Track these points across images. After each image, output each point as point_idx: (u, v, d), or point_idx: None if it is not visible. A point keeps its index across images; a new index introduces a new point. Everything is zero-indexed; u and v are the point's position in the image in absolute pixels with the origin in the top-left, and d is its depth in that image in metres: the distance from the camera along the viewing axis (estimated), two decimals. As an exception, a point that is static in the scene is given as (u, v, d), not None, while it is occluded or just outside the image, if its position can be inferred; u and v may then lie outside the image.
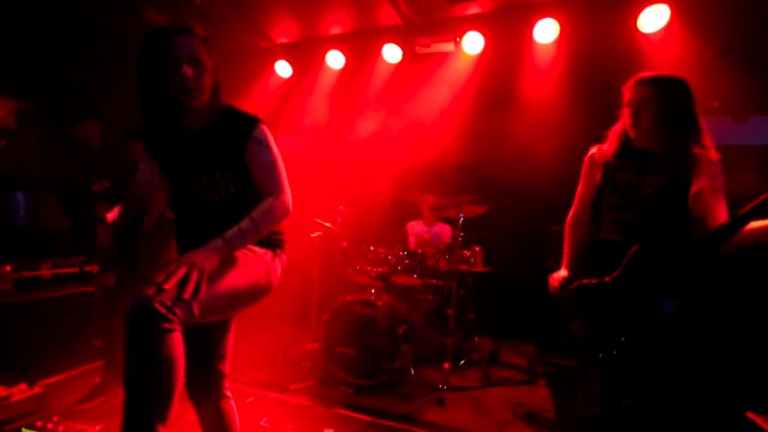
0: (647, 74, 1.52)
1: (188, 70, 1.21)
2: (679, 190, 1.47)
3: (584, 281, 1.54)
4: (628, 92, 1.54)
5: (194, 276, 1.05)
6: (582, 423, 1.59)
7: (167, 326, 1.00)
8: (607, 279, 1.49)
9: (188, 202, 1.36)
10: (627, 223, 1.53)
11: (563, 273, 1.72)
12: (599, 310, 1.50)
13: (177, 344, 1.03)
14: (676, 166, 1.46)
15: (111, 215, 2.28)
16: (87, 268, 2.91)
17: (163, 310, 1.00)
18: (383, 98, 4.54)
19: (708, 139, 1.48)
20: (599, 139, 1.69)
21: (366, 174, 4.43)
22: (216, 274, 1.16)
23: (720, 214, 1.45)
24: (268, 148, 1.34)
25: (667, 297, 1.42)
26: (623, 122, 1.58)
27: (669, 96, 1.46)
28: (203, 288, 1.07)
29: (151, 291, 1.01)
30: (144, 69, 1.24)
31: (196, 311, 1.07)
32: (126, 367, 1.01)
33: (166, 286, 1.01)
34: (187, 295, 1.02)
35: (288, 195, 1.33)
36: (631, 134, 1.54)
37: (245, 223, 1.22)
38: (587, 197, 1.71)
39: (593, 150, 1.69)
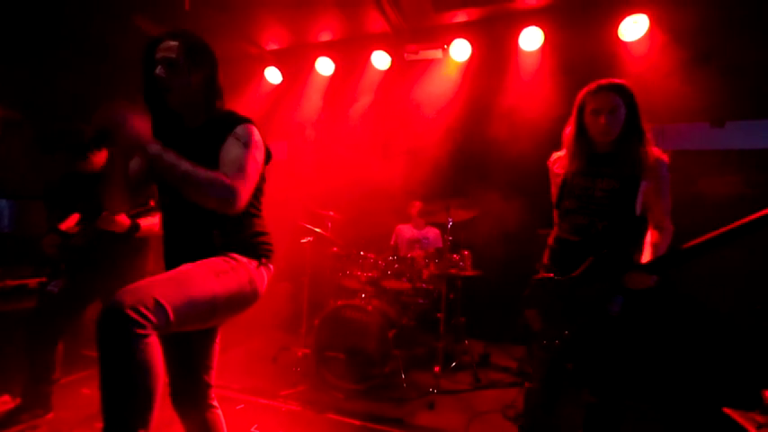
0: (606, 81, 1.57)
1: (160, 71, 1.27)
2: (628, 192, 1.56)
3: (543, 275, 1.66)
4: (593, 99, 1.57)
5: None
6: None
7: (140, 331, 0.99)
8: (563, 278, 1.59)
9: (174, 198, 1.33)
10: (579, 225, 1.63)
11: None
12: (553, 303, 1.61)
13: (152, 349, 1.02)
14: (631, 167, 1.56)
15: (65, 225, 2.14)
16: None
17: (135, 315, 0.98)
18: (372, 104, 4.58)
19: (652, 142, 1.58)
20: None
21: (356, 179, 4.45)
22: (194, 281, 1.15)
23: (659, 214, 1.58)
24: (245, 145, 1.27)
25: (615, 294, 1.51)
26: (589, 128, 1.60)
27: (632, 103, 1.56)
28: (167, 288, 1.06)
29: (122, 296, 1.00)
30: (142, 72, 1.33)
31: (171, 317, 1.06)
32: (101, 374, 1.00)
33: None
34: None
35: (241, 192, 1.19)
36: (601, 139, 1.59)
37: (189, 163, 1.14)
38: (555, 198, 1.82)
39: (554, 157, 1.79)
